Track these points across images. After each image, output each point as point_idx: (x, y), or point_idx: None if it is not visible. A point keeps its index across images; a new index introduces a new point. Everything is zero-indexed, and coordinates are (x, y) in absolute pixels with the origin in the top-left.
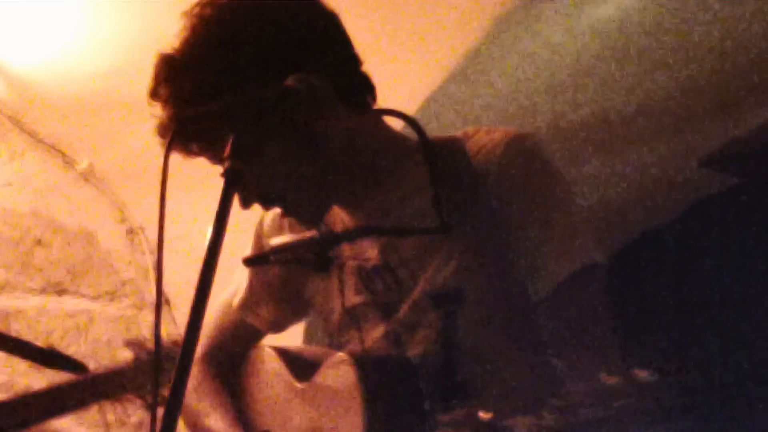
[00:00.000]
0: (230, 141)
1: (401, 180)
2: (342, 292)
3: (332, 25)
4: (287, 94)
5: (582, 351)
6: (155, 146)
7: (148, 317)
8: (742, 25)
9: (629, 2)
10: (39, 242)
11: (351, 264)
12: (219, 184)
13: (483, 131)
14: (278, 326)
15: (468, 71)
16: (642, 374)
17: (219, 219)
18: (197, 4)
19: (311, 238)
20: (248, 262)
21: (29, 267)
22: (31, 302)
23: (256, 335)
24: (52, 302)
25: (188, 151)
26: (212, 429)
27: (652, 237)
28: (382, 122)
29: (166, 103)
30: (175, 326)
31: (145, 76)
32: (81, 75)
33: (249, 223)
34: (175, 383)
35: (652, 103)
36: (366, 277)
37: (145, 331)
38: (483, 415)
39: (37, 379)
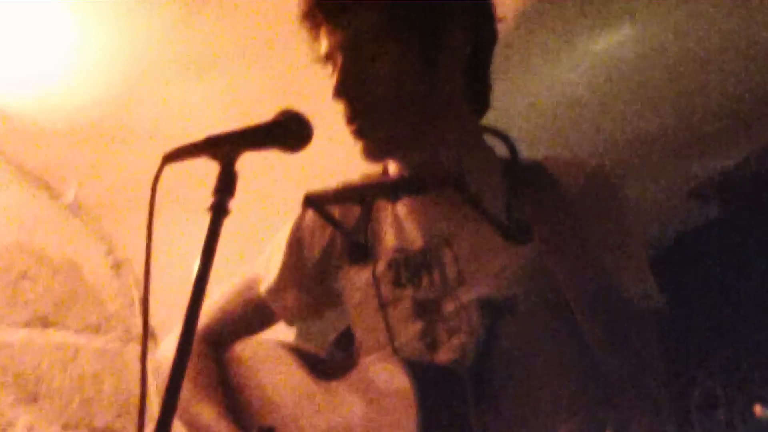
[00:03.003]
0: (217, 175)
1: (476, 182)
2: (377, 285)
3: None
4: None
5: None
6: (142, 178)
7: (134, 350)
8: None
9: (622, 35)
10: (24, 275)
11: (392, 256)
12: (206, 216)
13: (561, 158)
14: (294, 318)
15: None
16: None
17: (206, 252)
18: None
19: (383, 182)
20: (310, 200)
21: (15, 300)
22: (17, 335)
23: (267, 322)
24: (38, 335)
25: None
26: (201, 416)
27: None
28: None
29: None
30: None
31: (132, 108)
32: (67, 106)
33: (236, 258)
34: (162, 417)
35: (645, 134)
36: (412, 269)
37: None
38: None
39: (24, 413)
